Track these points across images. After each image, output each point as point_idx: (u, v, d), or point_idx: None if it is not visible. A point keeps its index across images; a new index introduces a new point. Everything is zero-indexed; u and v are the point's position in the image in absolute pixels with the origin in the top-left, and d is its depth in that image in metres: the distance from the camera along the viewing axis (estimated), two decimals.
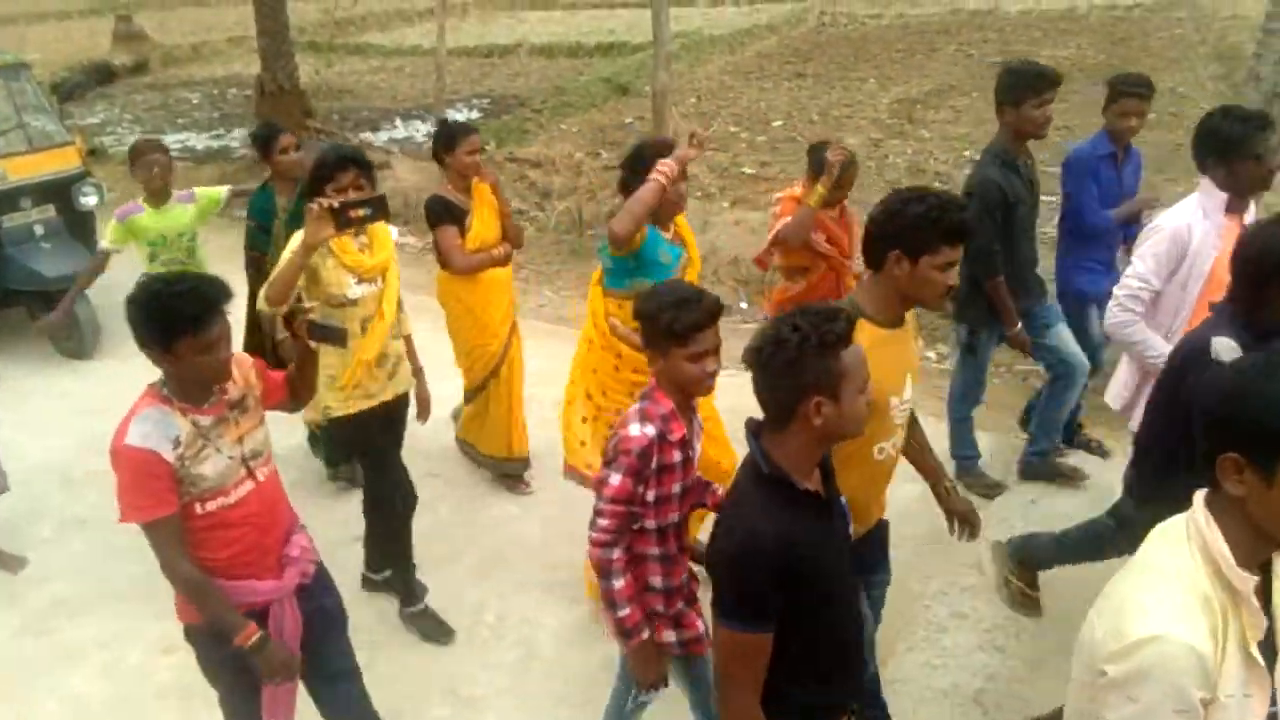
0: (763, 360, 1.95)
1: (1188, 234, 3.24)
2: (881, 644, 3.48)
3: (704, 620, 2.54)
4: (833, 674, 2.10)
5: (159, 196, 4.57)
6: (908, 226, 2.30)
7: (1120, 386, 3.46)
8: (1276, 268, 2.49)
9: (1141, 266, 3.29)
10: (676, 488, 2.47)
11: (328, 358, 3.28)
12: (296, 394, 2.74)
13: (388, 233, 3.54)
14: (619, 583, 2.45)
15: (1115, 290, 3.35)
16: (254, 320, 4.42)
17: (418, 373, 3.75)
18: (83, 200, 6.50)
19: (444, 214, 4.15)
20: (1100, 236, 4.24)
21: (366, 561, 3.92)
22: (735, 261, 7.08)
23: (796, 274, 4.24)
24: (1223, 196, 3.27)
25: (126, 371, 5.77)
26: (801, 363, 1.89)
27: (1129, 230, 4.22)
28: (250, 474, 2.48)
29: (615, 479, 2.40)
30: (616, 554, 2.45)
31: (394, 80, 15.54)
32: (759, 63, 14.94)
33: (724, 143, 10.57)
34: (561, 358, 5.79)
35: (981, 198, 3.81)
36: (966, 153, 9.49)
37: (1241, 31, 12.22)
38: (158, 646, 3.57)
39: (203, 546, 2.42)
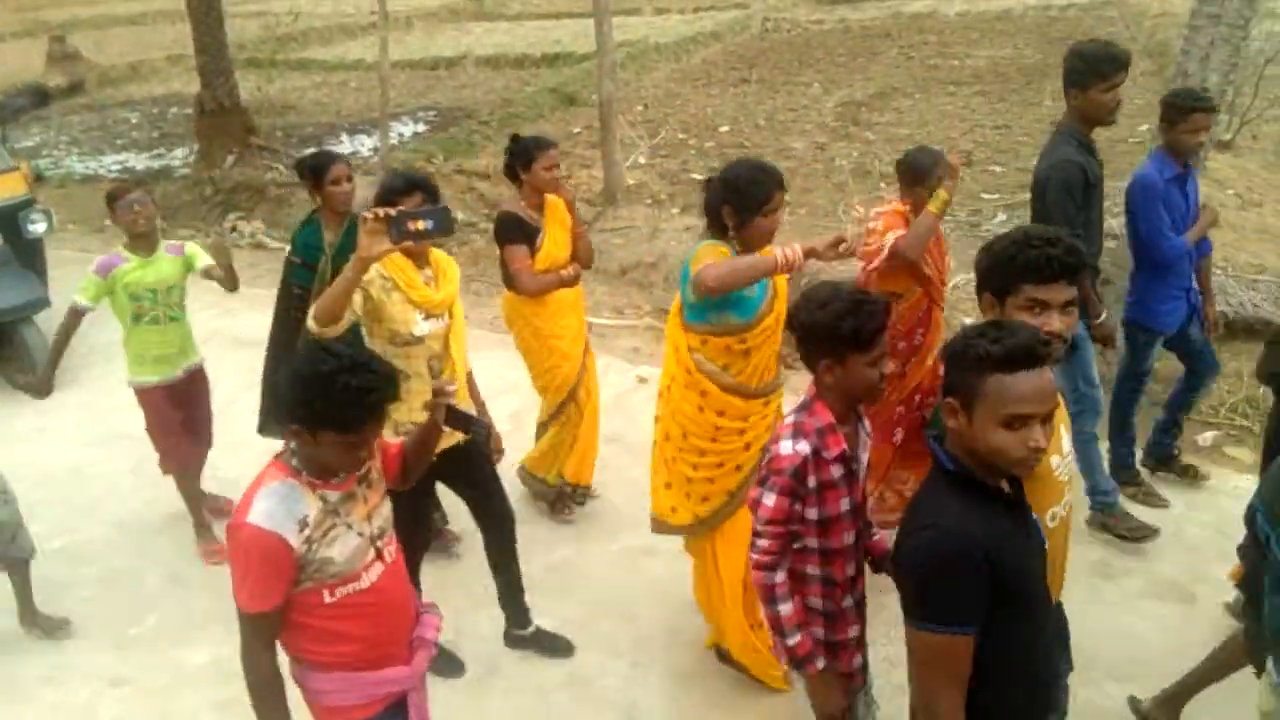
0: (946, 353, 1.91)
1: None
2: None
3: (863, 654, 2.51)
4: (1034, 686, 1.99)
5: (145, 245, 4.06)
6: (989, 266, 2.20)
7: None
8: None
9: None
10: (844, 504, 2.33)
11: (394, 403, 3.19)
12: (408, 473, 2.49)
13: (454, 264, 3.29)
14: (785, 608, 2.33)
15: None
16: (276, 355, 4.17)
17: (480, 408, 3.51)
18: (31, 228, 6.28)
19: (515, 231, 3.95)
20: (1175, 264, 3.99)
21: None
22: None
23: (895, 298, 3.67)
24: None
25: (90, 401, 5.69)
26: (959, 362, 1.85)
27: (1200, 249, 4.09)
28: (379, 555, 2.25)
29: (769, 499, 2.29)
30: (780, 577, 2.33)
31: (338, 95, 15.36)
32: (705, 69, 15.02)
33: (673, 149, 10.62)
34: (515, 368, 5.82)
35: (1062, 178, 3.59)
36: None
37: (1170, 28, 12.54)
38: (104, 679, 3.47)
39: (330, 639, 2.19)
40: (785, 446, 2.29)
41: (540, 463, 4.41)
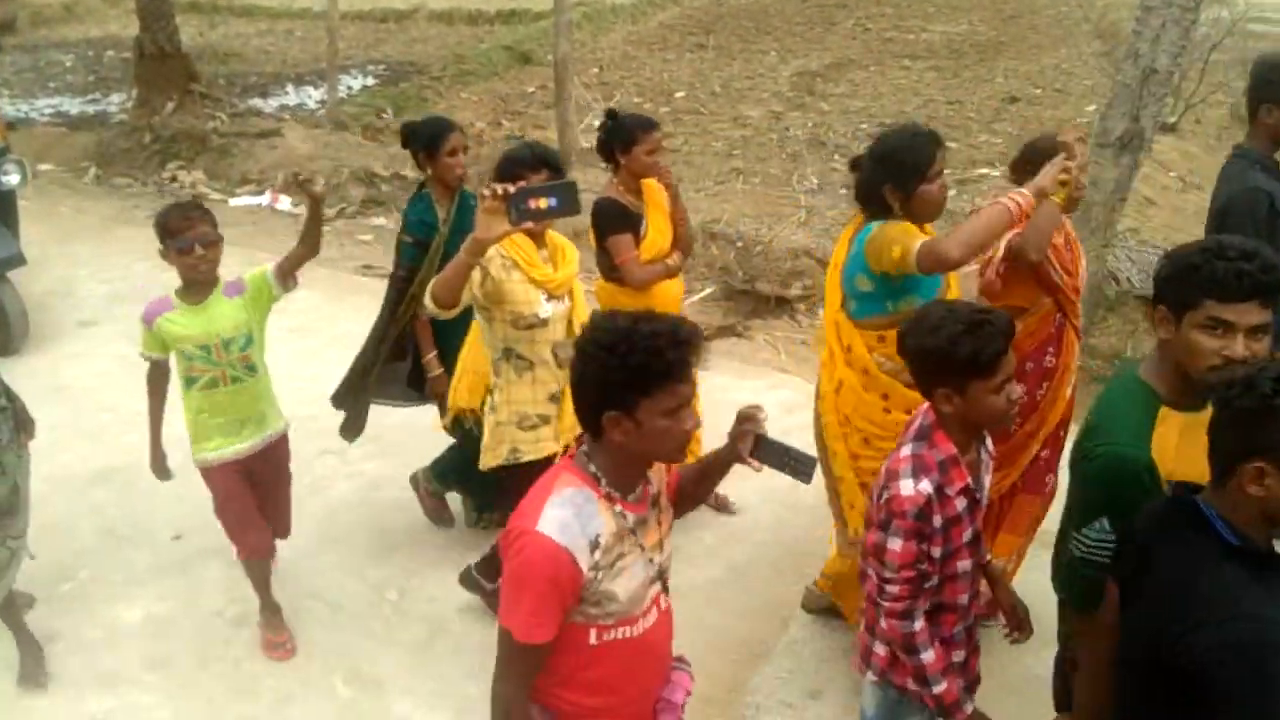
0: (1223, 399, 1.60)
1: None
2: (782, 604, 3.56)
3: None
4: None
5: (198, 289, 3.09)
6: (1169, 275, 1.89)
7: None
8: None
9: None
10: (967, 535, 2.17)
11: (519, 389, 2.94)
12: (682, 505, 2.09)
13: (570, 244, 3.06)
14: (928, 656, 2.16)
15: None
16: (386, 345, 3.81)
17: None
18: (3, 179, 5.77)
19: (619, 220, 3.65)
20: None
21: (482, 568, 3.50)
22: None
23: (1020, 312, 3.11)
24: None
25: (48, 367, 5.47)
26: (1262, 417, 1.54)
27: None
28: (658, 597, 1.92)
29: (895, 544, 2.10)
30: (918, 625, 2.15)
31: (284, 44, 14.92)
32: (661, 33, 14.88)
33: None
34: None
35: (1248, 208, 3.19)
36: (864, 126, 9.66)
37: (1121, 9, 12.72)
38: (36, 635, 3.38)
39: (577, 687, 1.86)
40: (906, 486, 2.09)
41: None
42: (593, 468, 1.80)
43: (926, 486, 2.08)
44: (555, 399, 2.96)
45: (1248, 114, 3.41)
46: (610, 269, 3.73)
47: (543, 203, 2.32)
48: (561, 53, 8.20)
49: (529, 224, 2.41)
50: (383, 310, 3.74)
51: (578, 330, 2.82)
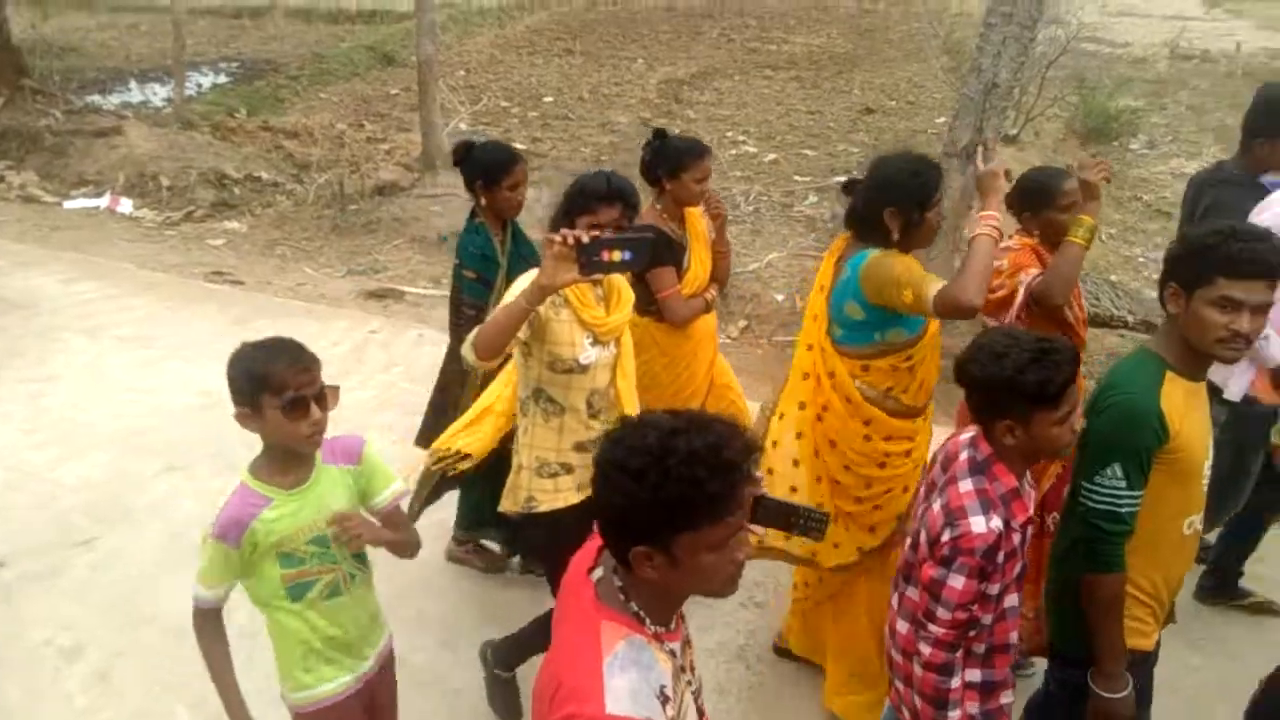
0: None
1: None
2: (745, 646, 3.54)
3: None
4: None
5: (303, 464, 2.18)
6: (1181, 255, 1.99)
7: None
8: None
9: None
10: (1018, 569, 2.07)
11: (543, 434, 2.66)
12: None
13: (628, 286, 2.72)
14: (954, 715, 2.04)
15: None
16: (446, 379, 3.52)
17: None
18: None
19: (663, 250, 3.29)
20: None
21: (500, 655, 3.13)
22: None
23: None
24: None
25: None
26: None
27: None
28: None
29: (957, 583, 1.98)
30: (956, 682, 2.04)
31: (127, 38, 14.10)
32: (529, 37, 14.79)
33: (495, 116, 10.39)
34: (324, 338, 5.54)
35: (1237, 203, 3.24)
36: (729, 134, 9.83)
37: (967, 28, 13.39)
38: None
39: None
40: (978, 524, 1.97)
41: None
42: (634, 605, 1.47)
43: (998, 523, 1.97)
44: (583, 449, 2.69)
45: (1242, 139, 3.42)
46: (648, 302, 3.36)
47: (616, 255, 2.12)
48: (425, 54, 8.03)
49: (598, 276, 2.17)
50: (450, 347, 3.51)
51: (622, 384, 2.70)
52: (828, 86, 11.90)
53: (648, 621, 1.47)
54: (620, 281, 2.68)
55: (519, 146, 9.23)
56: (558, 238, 2.14)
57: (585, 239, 2.11)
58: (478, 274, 3.27)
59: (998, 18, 5.22)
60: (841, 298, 2.70)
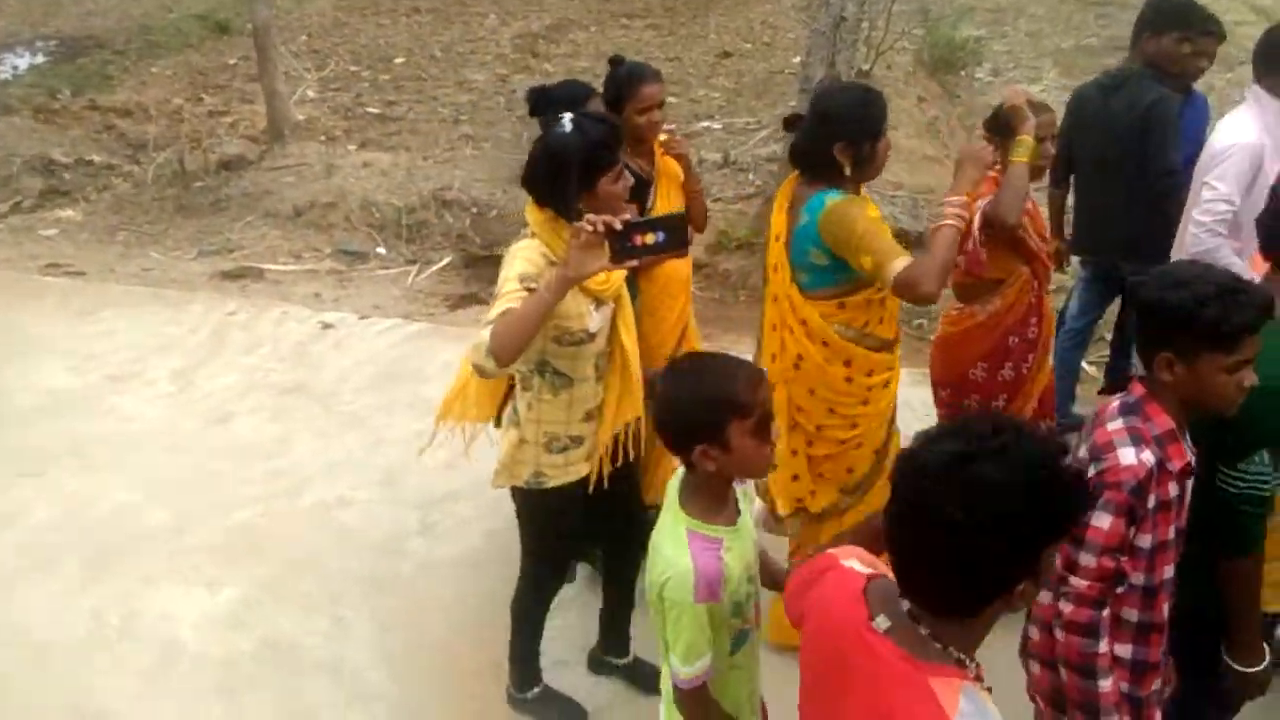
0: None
1: (1260, 150, 3.10)
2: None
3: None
4: None
5: (732, 496, 1.94)
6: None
7: None
8: None
9: (1224, 188, 3.06)
10: (1172, 531, 1.89)
11: (552, 408, 2.48)
12: None
13: None
14: (1106, 684, 1.85)
15: (1198, 216, 3.11)
16: None
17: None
18: None
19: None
20: None
21: (517, 680, 2.98)
22: (366, 205, 6.73)
23: (985, 291, 3.08)
24: None
25: None
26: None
27: None
28: None
29: (1104, 521, 1.81)
30: (1103, 647, 1.84)
31: None
32: None
33: (345, 82, 9.95)
34: (178, 324, 5.24)
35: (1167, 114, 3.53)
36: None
37: None
38: None
39: None
40: (1127, 454, 1.82)
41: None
42: (953, 651, 1.30)
43: (1150, 457, 1.82)
44: (591, 416, 2.55)
45: (1132, 40, 3.77)
46: None
47: (649, 238, 2.03)
48: (261, 19, 7.60)
49: (631, 263, 2.06)
50: None
51: (626, 339, 2.51)
52: (683, 33, 11.86)
53: (968, 663, 1.32)
54: None
55: (372, 110, 8.96)
56: (588, 225, 2.01)
57: (618, 225, 2.00)
58: None
59: None
60: (803, 244, 2.63)
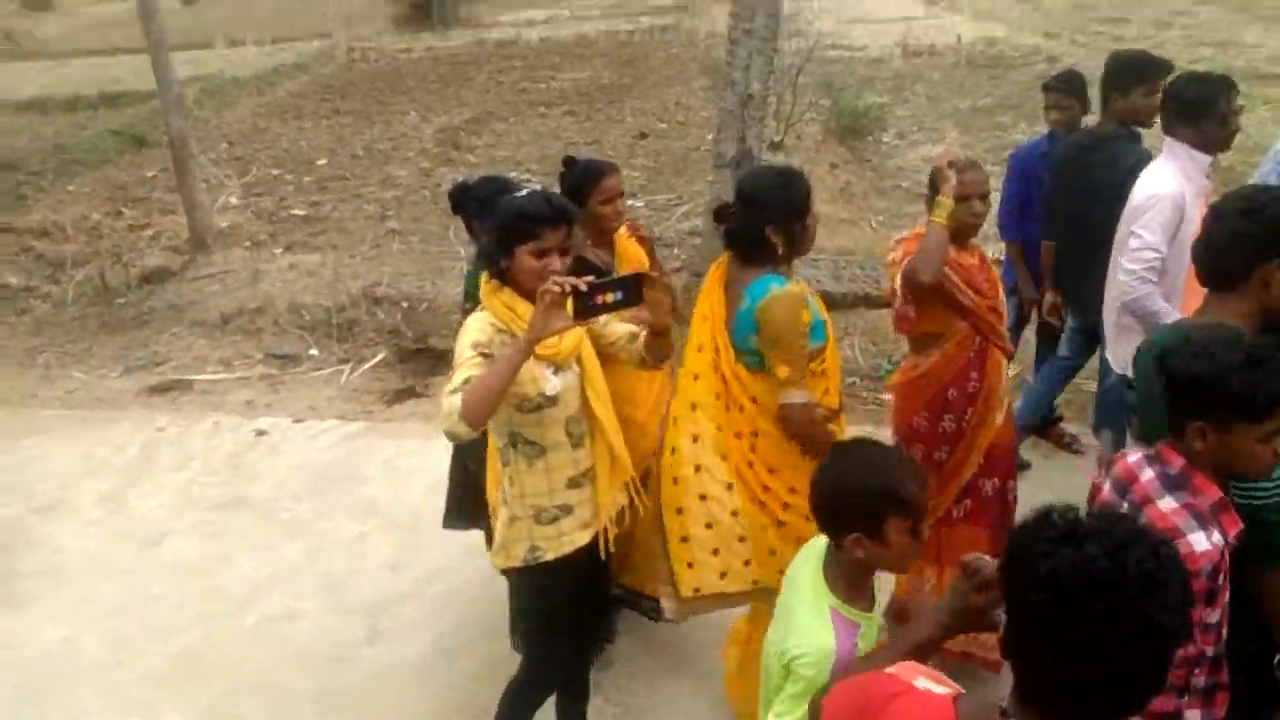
0: None
1: (1182, 199, 3.22)
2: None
3: None
4: None
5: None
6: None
7: (1127, 352, 3.31)
8: None
9: (1150, 237, 3.19)
10: (1225, 596, 1.88)
11: (532, 479, 2.49)
12: None
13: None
14: None
15: (1127, 264, 3.23)
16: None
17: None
18: None
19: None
20: None
21: None
22: (295, 307, 6.70)
23: (929, 344, 3.16)
24: (1205, 159, 3.29)
25: None
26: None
27: None
28: None
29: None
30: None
31: None
32: (293, 102, 14.30)
33: (268, 186, 9.96)
34: (106, 445, 5.11)
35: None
36: (513, 173, 9.86)
37: (718, 48, 14.07)
38: None
39: None
40: (1199, 540, 1.76)
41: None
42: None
43: (1219, 538, 1.79)
44: (577, 483, 2.55)
45: (1102, 100, 3.93)
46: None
47: (609, 297, 2.12)
48: (177, 131, 7.62)
49: (593, 320, 2.14)
50: None
51: (596, 405, 2.53)
52: (601, 117, 12.17)
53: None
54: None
55: (297, 213, 8.97)
56: (554, 287, 2.10)
57: (583, 287, 2.09)
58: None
59: (740, 34, 5.52)
60: (744, 332, 2.69)
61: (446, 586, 3.93)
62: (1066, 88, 4.37)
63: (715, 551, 2.79)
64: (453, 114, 12.81)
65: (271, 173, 10.48)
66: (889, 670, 1.44)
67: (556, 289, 2.10)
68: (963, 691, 1.35)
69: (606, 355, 2.74)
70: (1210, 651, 1.89)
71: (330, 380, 6.02)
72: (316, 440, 5.20)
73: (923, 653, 1.56)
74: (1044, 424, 4.61)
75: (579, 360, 2.54)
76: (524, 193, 2.48)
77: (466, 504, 3.34)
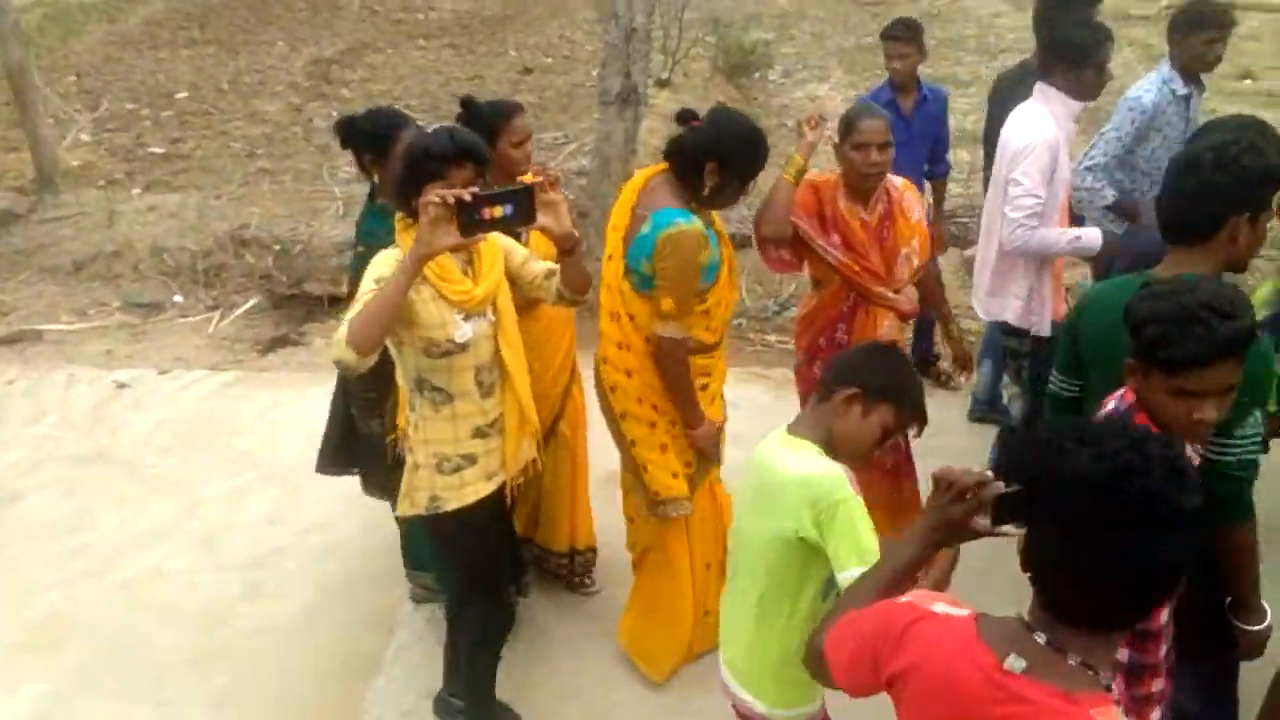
0: None
1: (1056, 144, 3.27)
2: (384, 613, 3.39)
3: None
4: None
5: None
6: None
7: (1010, 300, 3.45)
8: None
9: (1029, 183, 3.22)
10: None
11: (436, 426, 2.45)
12: None
13: (496, 245, 2.48)
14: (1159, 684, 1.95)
15: (1010, 212, 3.25)
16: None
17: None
18: None
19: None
20: None
21: (447, 681, 2.95)
22: (156, 252, 6.30)
23: (816, 286, 3.22)
24: (1076, 105, 3.32)
25: None
26: None
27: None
28: None
29: None
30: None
31: None
32: (148, 30, 13.33)
33: (123, 121, 9.30)
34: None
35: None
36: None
37: None
38: None
39: None
40: None
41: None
42: (1103, 677, 1.24)
43: None
44: (483, 433, 2.49)
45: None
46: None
47: (498, 211, 2.05)
48: (15, 61, 6.98)
49: (480, 236, 2.10)
50: None
51: (507, 355, 2.48)
52: (483, 50, 11.77)
53: (1113, 686, 1.28)
54: (490, 247, 2.47)
55: (156, 150, 8.41)
56: (435, 199, 2.04)
57: (467, 197, 2.03)
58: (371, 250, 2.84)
59: None
60: (638, 252, 2.70)
61: (326, 539, 3.81)
62: (909, 35, 4.28)
63: (663, 448, 2.89)
64: (324, 45, 12.19)
65: (126, 107, 9.77)
66: (903, 599, 1.42)
67: (436, 200, 2.04)
68: (977, 613, 1.35)
69: (527, 302, 2.73)
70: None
71: (198, 329, 5.71)
72: (185, 392, 4.93)
73: (911, 575, 1.56)
74: (923, 363, 4.73)
75: (495, 308, 2.47)
76: (432, 129, 2.43)
77: (343, 449, 3.23)
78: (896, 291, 3.09)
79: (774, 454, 2.02)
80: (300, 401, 4.66)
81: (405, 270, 2.13)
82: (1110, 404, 2.03)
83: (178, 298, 6.00)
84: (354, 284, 2.89)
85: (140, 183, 7.66)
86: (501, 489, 2.58)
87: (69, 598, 3.56)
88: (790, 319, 5.48)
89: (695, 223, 2.69)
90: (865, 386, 1.98)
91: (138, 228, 6.60)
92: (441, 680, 2.97)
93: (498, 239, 2.48)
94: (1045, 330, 3.44)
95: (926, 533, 1.48)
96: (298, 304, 5.91)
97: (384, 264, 2.29)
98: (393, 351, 2.43)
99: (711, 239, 2.76)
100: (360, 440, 3.13)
